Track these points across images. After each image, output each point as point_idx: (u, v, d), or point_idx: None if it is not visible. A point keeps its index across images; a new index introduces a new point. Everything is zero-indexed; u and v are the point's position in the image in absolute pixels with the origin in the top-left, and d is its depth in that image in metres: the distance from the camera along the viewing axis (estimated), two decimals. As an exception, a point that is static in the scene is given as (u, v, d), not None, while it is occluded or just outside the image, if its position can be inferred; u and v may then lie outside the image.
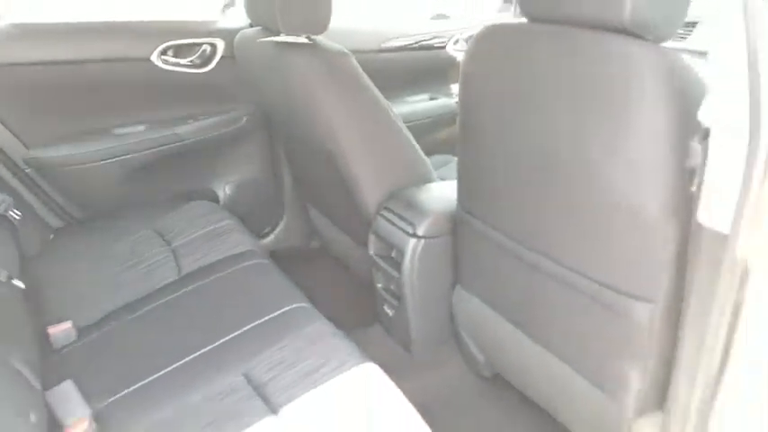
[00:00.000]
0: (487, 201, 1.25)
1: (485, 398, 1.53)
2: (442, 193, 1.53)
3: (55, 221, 1.80)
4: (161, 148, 1.87)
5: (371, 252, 1.61)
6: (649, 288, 0.92)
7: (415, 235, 1.45)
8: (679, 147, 0.77)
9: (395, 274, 1.52)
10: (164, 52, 1.80)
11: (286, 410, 0.98)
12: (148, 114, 1.87)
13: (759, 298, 0.70)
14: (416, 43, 2.32)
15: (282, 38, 1.44)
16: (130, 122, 1.84)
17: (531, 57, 1.00)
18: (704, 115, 0.69)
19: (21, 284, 1.25)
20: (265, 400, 1.02)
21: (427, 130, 2.31)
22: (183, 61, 1.84)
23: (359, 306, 1.81)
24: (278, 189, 2.22)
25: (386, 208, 1.55)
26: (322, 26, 1.44)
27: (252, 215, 2.00)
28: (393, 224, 1.51)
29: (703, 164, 0.71)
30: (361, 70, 1.48)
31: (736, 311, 0.72)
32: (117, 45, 1.77)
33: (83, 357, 1.19)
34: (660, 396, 0.98)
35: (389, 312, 1.64)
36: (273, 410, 0.99)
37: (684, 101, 0.76)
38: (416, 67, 2.40)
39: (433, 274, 1.50)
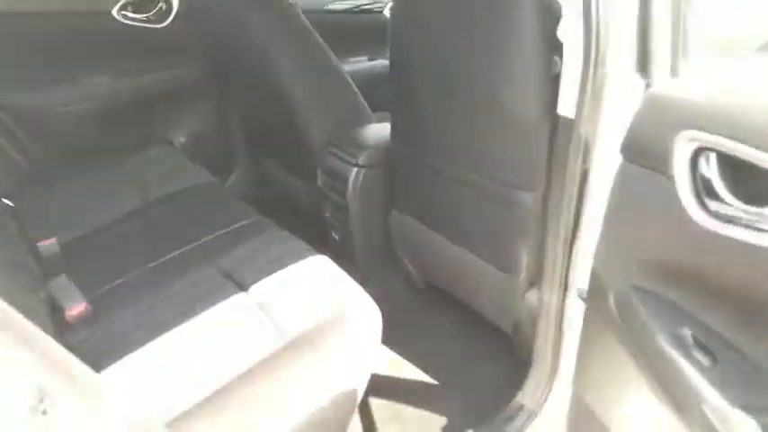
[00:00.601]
0: (413, 126, 1.50)
1: (418, 305, 1.80)
2: (379, 131, 1.77)
3: (24, 164, 1.92)
4: (121, 97, 2.02)
5: (320, 184, 1.84)
6: (532, 179, 1.20)
7: (356, 165, 1.69)
8: (545, 59, 1.04)
9: (340, 201, 1.76)
10: (123, 7, 1.94)
11: (255, 288, 1.20)
12: (110, 65, 2.01)
13: (599, 166, 0.98)
14: (356, 7, 2.54)
15: None
16: (93, 72, 1.98)
17: None
18: (560, 33, 0.96)
19: (10, 203, 1.41)
20: (235, 282, 1.23)
21: (366, 90, 2.53)
22: (140, 16, 1.99)
23: (308, 239, 2.03)
24: (229, 142, 2.40)
25: (331, 143, 1.78)
26: None
27: (205, 165, 2.18)
28: (337, 157, 1.75)
29: (560, 71, 0.98)
30: (306, 20, 1.69)
31: (584, 180, 0.99)
32: None
33: (70, 263, 1.36)
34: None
35: (336, 237, 1.88)
36: (244, 288, 1.20)
37: (548, 23, 1.01)
38: (356, 30, 2.61)
39: (372, 199, 1.75)
